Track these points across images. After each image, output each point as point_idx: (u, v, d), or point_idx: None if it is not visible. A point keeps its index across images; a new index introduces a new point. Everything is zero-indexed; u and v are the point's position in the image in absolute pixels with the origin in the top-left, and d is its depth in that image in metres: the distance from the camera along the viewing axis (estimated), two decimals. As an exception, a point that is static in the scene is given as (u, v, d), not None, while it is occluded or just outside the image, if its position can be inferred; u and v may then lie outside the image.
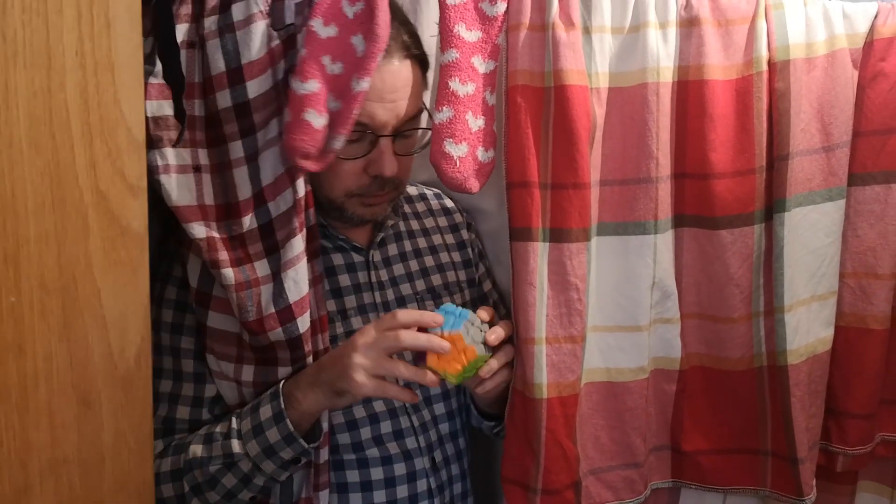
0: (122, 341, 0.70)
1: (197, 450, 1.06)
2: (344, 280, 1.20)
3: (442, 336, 1.03)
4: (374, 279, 1.21)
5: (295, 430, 1.03)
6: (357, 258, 1.22)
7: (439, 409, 1.22)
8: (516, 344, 1.10)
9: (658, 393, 1.19)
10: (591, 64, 1.09)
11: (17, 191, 0.60)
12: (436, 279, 1.27)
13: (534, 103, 1.08)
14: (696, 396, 1.20)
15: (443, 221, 1.34)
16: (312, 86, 1.01)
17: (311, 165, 1.03)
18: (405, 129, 1.12)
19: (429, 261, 1.29)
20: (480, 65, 1.09)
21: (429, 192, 1.37)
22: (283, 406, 1.04)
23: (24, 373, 0.62)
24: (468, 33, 1.08)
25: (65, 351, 0.65)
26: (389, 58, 1.08)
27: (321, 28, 1.03)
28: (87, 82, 0.64)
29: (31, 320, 0.63)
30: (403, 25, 1.13)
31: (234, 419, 1.07)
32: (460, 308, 1.06)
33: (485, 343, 1.05)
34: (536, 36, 1.08)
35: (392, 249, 1.26)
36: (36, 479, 0.65)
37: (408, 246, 1.28)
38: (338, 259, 1.20)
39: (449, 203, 1.37)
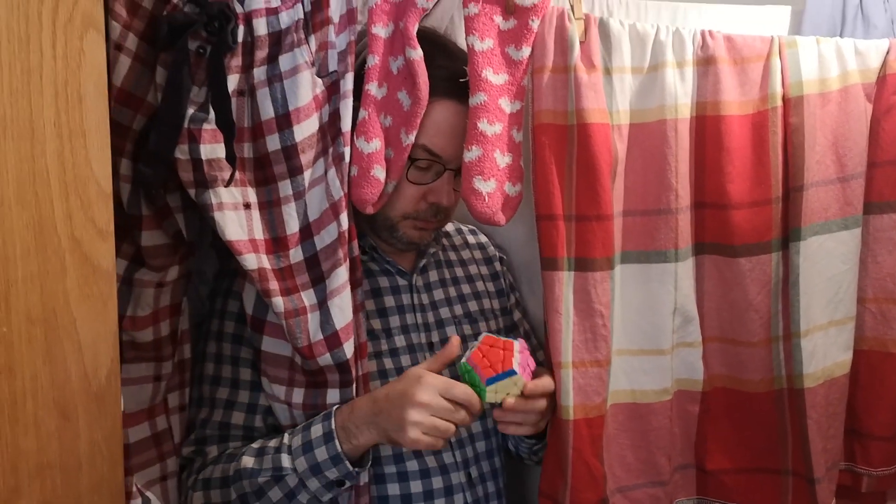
0: (95, 363, 0.81)
1: (248, 461, 1.13)
2: (389, 301, 1.28)
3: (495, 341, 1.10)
4: (416, 301, 1.30)
5: (345, 457, 1.09)
6: (401, 281, 1.30)
7: (475, 427, 1.28)
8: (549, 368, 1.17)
9: (682, 413, 1.24)
10: (612, 102, 1.16)
11: (7, 240, 0.71)
12: (472, 305, 1.35)
13: (558, 140, 1.15)
14: (719, 417, 1.25)
15: (477, 254, 1.44)
16: (375, 144, 1.13)
17: (372, 210, 1.15)
18: None
19: (465, 288, 1.37)
20: (507, 105, 1.16)
21: (464, 228, 1.47)
22: (333, 427, 1.10)
23: (14, 390, 0.73)
24: (495, 77, 1.15)
25: (47, 372, 0.76)
26: (463, 98, 1.17)
27: (376, 90, 1.14)
28: (63, 147, 0.76)
29: (20, 347, 0.73)
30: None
31: (286, 436, 1.14)
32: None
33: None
34: (560, 77, 1.15)
35: (433, 276, 1.35)
36: (25, 482, 0.75)
37: (447, 273, 1.37)
38: (384, 281, 1.29)
39: (483, 238, 1.47)
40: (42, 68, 0.73)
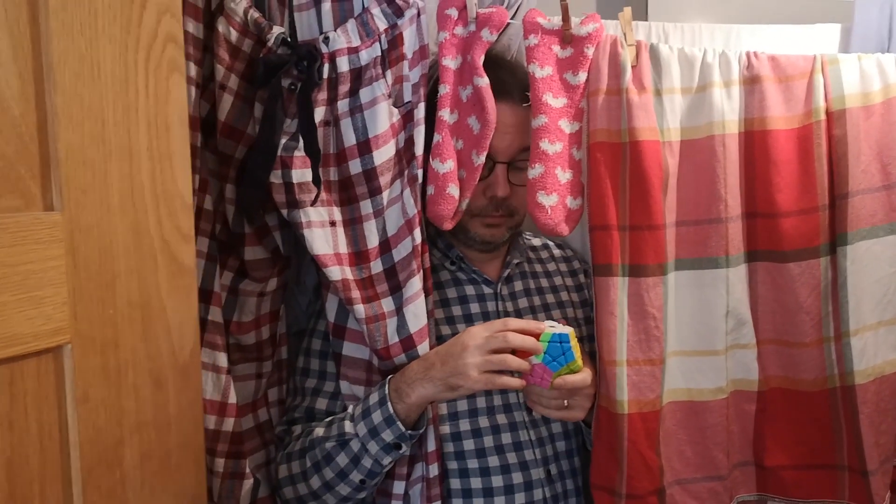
0: (182, 342, 0.97)
1: (319, 431, 1.26)
2: (475, 308, 1.39)
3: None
4: (500, 309, 1.40)
5: (398, 417, 1.19)
6: (487, 290, 1.41)
7: (556, 427, 1.37)
8: (599, 367, 1.26)
9: (739, 412, 1.31)
10: (663, 121, 1.25)
11: (113, 240, 0.88)
12: (556, 314, 1.44)
13: (612, 157, 1.24)
14: (776, 416, 1.31)
15: (563, 267, 1.53)
16: (449, 165, 1.25)
17: (449, 225, 1.27)
18: (518, 158, 1.32)
19: (550, 298, 1.47)
20: (567, 126, 1.27)
21: (551, 243, 1.58)
22: (387, 392, 1.21)
23: (119, 361, 0.90)
24: (555, 100, 1.26)
25: (144, 347, 0.92)
26: (510, 99, 1.29)
27: (448, 116, 1.27)
28: (154, 168, 0.92)
29: (123, 326, 0.90)
30: (520, 74, 1.32)
31: (351, 406, 1.27)
32: (561, 328, 1.20)
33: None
34: (613, 99, 1.25)
35: (518, 286, 1.45)
36: (127, 435, 0.91)
37: (532, 284, 1.47)
38: (470, 290, 1.41)
39: (569, 252, 1.57)
40: (137, 104, 0.90)
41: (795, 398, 1.30)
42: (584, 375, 1.21)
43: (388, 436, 1.20)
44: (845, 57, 1.26)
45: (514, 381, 1.18)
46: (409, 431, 1.21)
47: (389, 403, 1.20)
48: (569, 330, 1.20)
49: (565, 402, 1.23)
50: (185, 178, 0.95)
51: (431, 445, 1.26)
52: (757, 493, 1.34)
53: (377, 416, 1.21)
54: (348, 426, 1.23)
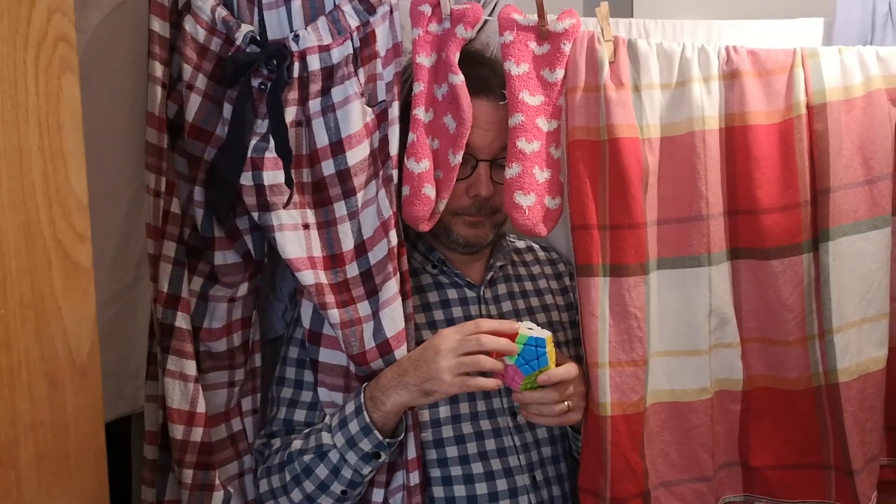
0: (78, 343, 0.96)
1: (297, 443, 1.23)
2: (457, 312, 1.36)
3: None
4: (484, 312, 1.37)
5: (374, 426, 1.16)
6: (470, 293, 1.38)
7: (542, 432, 1.34)
8: (585, 369, 1.24)
9: (724, 412, 1.29)
10: (642, 117, 1.23)
11: (2, 239, 0.87)
12: (540, 318, 1.41)
13: (591, 155, 1.22)
14: (761, 415, 1.29)
15: (548, 269, 1.51)
16: (424, 165, 1.22)
17: (425, 227, 1.24)
18: (501, 156, 1.29)
19: (534, 301, 1.44)
20: (544, 124, 1.24)
21: (536, 246, 1.55)
22: (363, 401, 1.18)
23: (11, 361, 0.89)
24: (532, 98, 1.24)
25: (38, 348, 0.92)
26: (490, 96, 1.27)
27: (423, 114, 1.24)
28: (46, 167, 0.91)
29: (15, 326, 0.89)
30: (501, 71, 1.28)
31: (328, 416, 1.24)
32: (540, 331, 1.18)
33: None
34: (591, 96, 1.22)
35: (502, 289, 1.42)
36: (22, 435, 0.90)
37: (516, 287, 1.44)
38: (452, 293, 1.37)
39: (554, 255, 1.54)
40: (28, 103, 0.89)
41: (780, 397, 1.28)
42: (569, 367, 1.20)
43: (366, 445, 1.18)
44: (826, 50, 1.24)
45: (489, 382, 1.16)
46: (388, 440, 1.19)
47: (366, 412, 1.18)
48: (546, 335, 1.17)
49: (567, 404, 1.21)
50: (79, 177, 0.94)
51: (412, 453, 1.23)
52: (743, 493, 1.32)
53: (354, 426, 1.18)
54: (326, 437, 1.20)
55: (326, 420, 1.24)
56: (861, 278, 1.23)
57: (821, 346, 1.24)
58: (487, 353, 1.15)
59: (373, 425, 1.17)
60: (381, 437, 1.18)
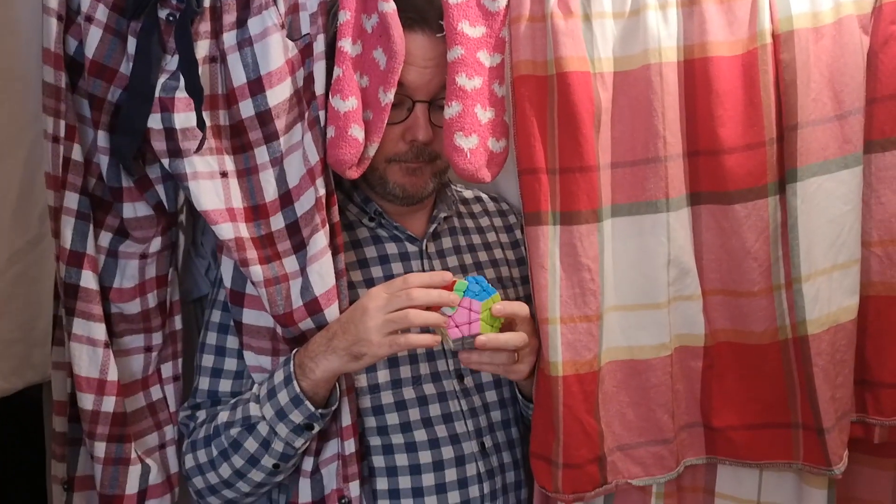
0: None
1: (224, 415, 1.14)
2: (398, 268, 1.26)
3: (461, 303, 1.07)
4: (426, 268, 1.27)
5: (305, 396, 1.08)
6: (411, 248, 1.28)
7: (491, 396, 1.26)
8: (536, 327, 1.14)
9: (685, 370, 1.21)
10: (594, 50, 1.12)
11: None
12: (489, 273, 1.32)
13: (538, 92, 1.12)
14: (724, 372, 1.20)
15: (497, 221, 1.41)
16: (352, 103, 1.10)
17: (354, 173, 1.12)
18: (440, 96, 1.17)
19: (482, 255, 1.34)
20: (486, 59, 1.14)
21: (485, 196, 1.44)
22: (292, 369, 1.09)
23: None
24: (472, 29, 1.13)
25: None
26: (427, 29, 1.15)
27: (350, 47, 1.12)
28: None
29: None
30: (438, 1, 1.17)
31: (256, 385, 1.15)
32: (489, 286, 1.09)
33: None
34: (537, 26, 1.12)
35: (447, 243, 1.32)
36: None
37: (462, 241, 1.34)
38: (391, 248, 1.27)
39: (504, 206, 1.44)
40: None
41: (745, 352, 1.19)
42: (522, 304, 1.12)
43: (297, 417, 1.09)
44: (792, -28, 1.13)
45: (423, 338, 1.06)
46: (321, 410, 1.10)
47: (295, 381, 1.09)
48: (494, 293, 1.08)
49: (515, 354, 1.12)
50: None
51: (347, 420, 1.15)
52: (706, 456, 1.24)
53: (283, 397, 1.09)
54: (254, 409, 1.11)
55: (254, 389, 1.14)
56: (831, 222, 1.13)
57: (788, 296, 1.15)
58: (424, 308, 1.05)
59: (303, 395, 1.08)
60: (312, 408, 1.09)
